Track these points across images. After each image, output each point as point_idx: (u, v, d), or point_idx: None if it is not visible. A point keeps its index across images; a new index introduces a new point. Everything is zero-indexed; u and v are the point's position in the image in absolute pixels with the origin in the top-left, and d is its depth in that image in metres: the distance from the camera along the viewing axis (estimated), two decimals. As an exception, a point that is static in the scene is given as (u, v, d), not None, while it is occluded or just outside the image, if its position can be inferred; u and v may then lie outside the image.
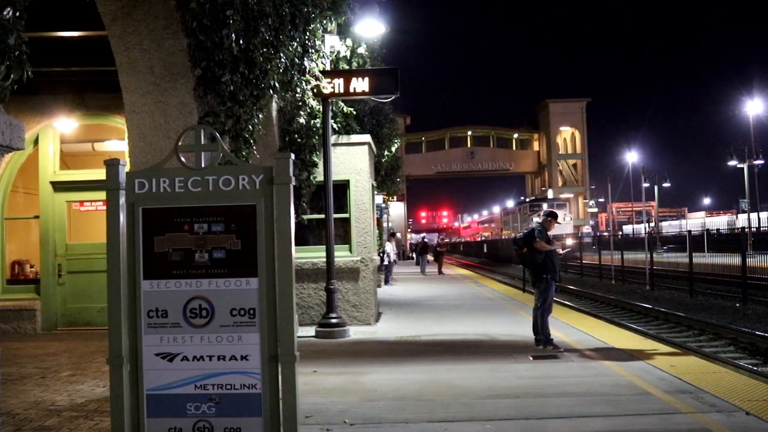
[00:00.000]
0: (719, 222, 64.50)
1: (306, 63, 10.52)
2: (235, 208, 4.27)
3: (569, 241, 41.87)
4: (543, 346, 10.21)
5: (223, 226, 4.27)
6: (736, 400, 6.79)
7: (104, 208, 4.42)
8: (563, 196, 75.19)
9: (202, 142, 4.47)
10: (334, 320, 11.93)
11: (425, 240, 44.60)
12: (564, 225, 52.65)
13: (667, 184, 72.04)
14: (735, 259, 22.13)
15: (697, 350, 12.49)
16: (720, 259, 32.68)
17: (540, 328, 10.35)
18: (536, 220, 45.28)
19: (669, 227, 67.18)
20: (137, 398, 4.26)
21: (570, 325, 12.66)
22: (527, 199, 72.20)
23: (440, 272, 35.78)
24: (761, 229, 44.17)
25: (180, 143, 4.41)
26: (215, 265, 4.25)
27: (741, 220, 49.53)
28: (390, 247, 28.73)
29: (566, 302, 21.97)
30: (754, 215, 47.88)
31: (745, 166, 49.87)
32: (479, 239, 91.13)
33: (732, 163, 51.77)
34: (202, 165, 4.38)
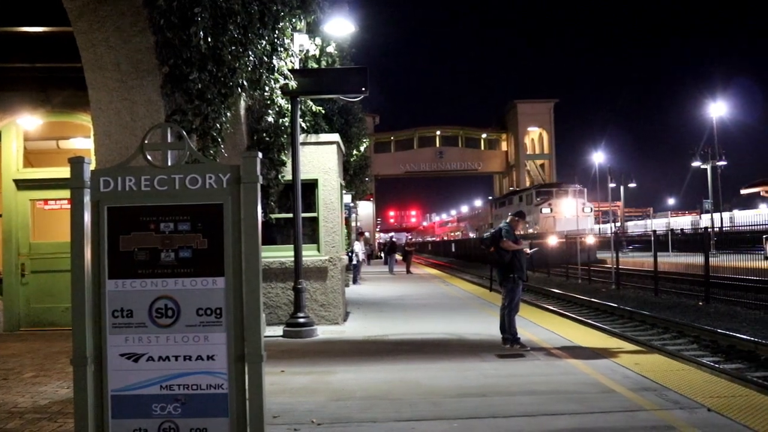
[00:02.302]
0: (683, 222, 65.39)
1: (275, 61, 10.48)
2: (201, 207, 4.24)
3: (589, 240, 38.32)
4: (510, 344, 10.29)
5: (190, 225, 4.23)
6: (698, 397, 6.91)
7: (69, 206, 4.36)
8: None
9: (169, 141, 4.43)
10: (302, 320, 11.91)
11: (393, 239, 44.65)
12: (584, 218, 47.96)
13: (633, 185, 72.92)
14: (698, 259, 22.48)
15: (660, 348, 12.66)
16: (684, 258, 33.19)
17: (507, 326, 10.42)
18: (545, 210, 44.80)
19: (634, 227, 67.85)
20: (101, 399, 4.20)
21: (537, 324, 12.77)
22: (536, 186, 58.89)
23: (408, 271, 35.87)
24: (723, 229, 44.88)
25: (146, 141, 4.37)
26: (181, 265, 4.22)
27: (704, 220, 50.26)
28: (358, 247, 28.73)
29: (533, 301, 22.16)
30: (717, 215, 48.64)
31: (708, 167, 50.65)
32: (457, 237, 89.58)
33: (696, 164, 52.58)
34: (169, 163, 4.34)
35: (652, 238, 28.48)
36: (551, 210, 47.58)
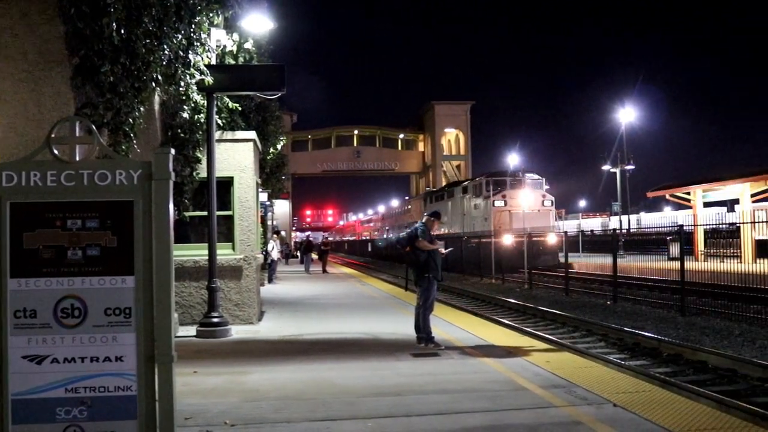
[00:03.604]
0: (594, 224, 67.43)
1: (191, 56, 10.27)
2: (111, 204, 4.11)
3: (551, 238, 34.49)
4: (425, 343, 10.38)
5: (98, 222, 4.10)
6: (605, 393, 7.14)
7: (-32, 201, 4.16)
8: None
9: (78, 135, 4.29)
10: (215, 319, 11.73)
11: (310, 238, 44.46)
12: (543, 213, 38.87)
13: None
14: (607, 260, 23.20)
15: (570, 346, 12.99)
16: (593, 259, 34.23)
17: (422, 326, 10.51)
18: (498, 203, 37.75)
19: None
20: (1, 404, 4.03)
21: (451, 323, 12.93)
22: (487, 174, 44.37)
23: (325, 271, 35.79)
24: (631, 230, 46.50)
25: (53, 135, 4.21)
26: (89, 263, 4.09)
27: (613, 222, 51.96)
28: (274, 246, 28.49)
29: (448, 300, 22.43)
30: (625, 218, 50.34)
31: (617, 171, 52.39)
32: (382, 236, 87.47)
33: (605, 167, 54.29)
34: (77, 158, 4.20)
35: (564, 239, 29.27)
36: (505, 203, 38.72)
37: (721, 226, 29.93)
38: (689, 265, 20.87)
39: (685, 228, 21.71)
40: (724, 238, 29.16)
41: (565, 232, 29.83)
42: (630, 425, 6.01)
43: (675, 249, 28.14)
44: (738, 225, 27.37)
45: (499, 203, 38.52)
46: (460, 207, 44.14)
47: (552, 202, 39.90)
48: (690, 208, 34.84)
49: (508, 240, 33.35)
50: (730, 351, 12.26)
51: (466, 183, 45.31)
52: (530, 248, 31.70)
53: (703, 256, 29.98)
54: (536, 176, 41.38)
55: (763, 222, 26.62)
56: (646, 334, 13.94)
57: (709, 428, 5.88)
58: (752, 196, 31.03)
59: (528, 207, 38.01)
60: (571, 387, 7.50)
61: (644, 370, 10.75)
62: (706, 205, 35.83)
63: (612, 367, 10.17)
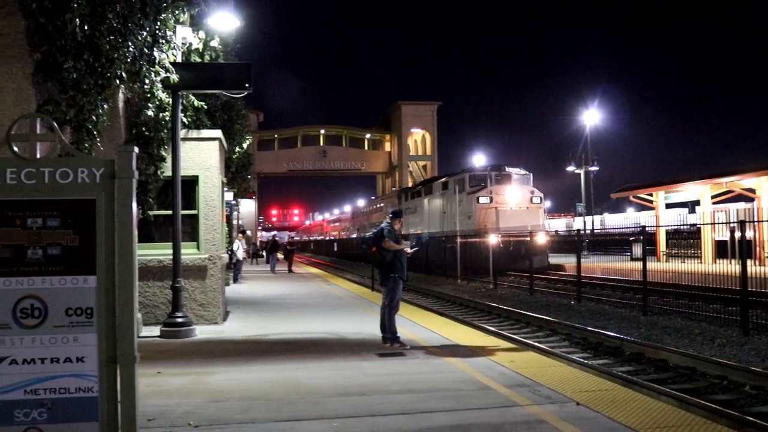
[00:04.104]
0: (558, 224, 68.04)
1: (156, 53, 10.16)
2: (72, 203, 4.05)
3: (541, 239, 31.62)
4: (390, 343, 10.40)
5: (60, 221, 4.04)
6: (568, 392, 7.21)
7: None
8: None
9: (39, 132, 4.22)
10: (180, 319, 11.63)
11: (276, 238, 44.28)
12: (533, 211, 35.44)
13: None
14: (570, 260, 23.42)
15: (535, 346, 13.10)
16: (558, 259, 34.53)
17: (387, 325, 10.53)
18: (483, 200, 33.75)
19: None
20: (-42, 405, 3.95)
21: (417, 323, 12.97)
22: (470, 168, 41.70)
23: (290, 271, 35.71)
24: (595, 231, 47.05)
25: (13, 132, 4.14)
26: (50, 262, 4.02)
27: (577, 223, 52.54)
28: (239, 245, 28.33)
29: (414, 300, 22.49)
30: (589, 218, 50.96)
31: (581, 172, 53.02)
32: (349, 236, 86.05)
33: (570, 168, 54.91)
34: (38, 156, 4.14)
35: (528, 239, 29.47)
36: (491, 199, 35.14)
37: (682, 227, 30.40)
38: (651, 265, 21.16)
39: (647, 229, 21.99)
40: (685, 239, 29.64)
41: (530, 232, 29.99)
42: (593, 423, 6.08)
43: (638, 249, 28.57)
44: (698, 226, 27.83)
45: (484, 200, 35.31)
46: (439, 204, 40.47)
47: (541, 198, 36.53)
48: (653, 209, 35.34)
49: (494, 240, 30.81)
50: (690, 350, 12.46)
51: (446, 178, 40.96)
52: (518, 249, 30.57)
53: (664, 256, 30.45)
54: (523, 171, 38.17)
55: (722, 223, 27.07)
56: (609, 333, 14.11)
57: (669, 425, 5.98)
58: (712, 197, 31.60)
59: (516, 204, 35.28)
60: (535, 386, 7.57)
61: (607, 369, 10.88)
62: (668, 206, 36.40)
63: (575, 366, 10.27)
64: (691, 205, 38.87)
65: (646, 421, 6.08)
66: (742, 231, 15.69)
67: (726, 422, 7.26)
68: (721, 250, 27.11)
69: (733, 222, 18.57)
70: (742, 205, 32.05)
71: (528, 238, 29.47)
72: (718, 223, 27.66)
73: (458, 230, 34.81)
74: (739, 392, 9.58)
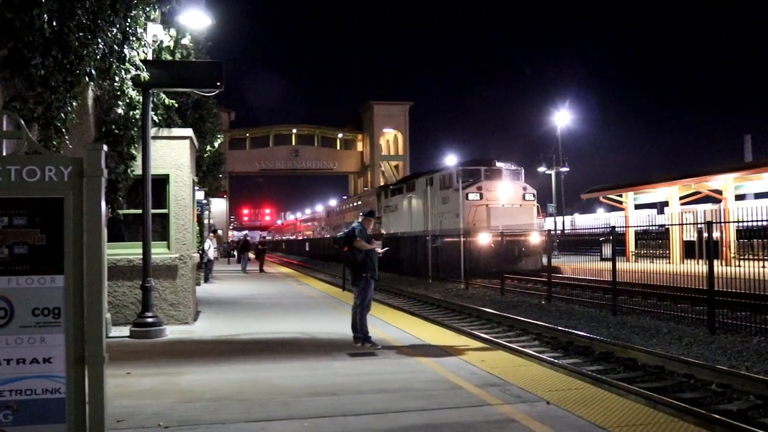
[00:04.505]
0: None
1: (126, 51, 10.05)
2: (40, 201, 3.99)
3: (535, 238, 29.61)
4: (361, 343, 10.40)
5: (26, 219, 3.98)
6: (538, 391, 7.27)
7: None
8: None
9: (5, 129, 4.16)
10: (150, 319, 11.53)
11: (247, 237, 44.07)
12: (526, 208, 32.66)
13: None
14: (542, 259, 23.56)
15: (505, 345, 13.17)
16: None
17: (359, 325, 10.53)
18: (473, 196, 30.91)
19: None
20: None
21: (388, 323, 12.98)
22: (458, 163, 38.00)
23: (261, 270, 35.57)
24: (565, 231, 47.43)
25: (-21, 129, 4.08)
26: (16, 262, 3.96)
27: (548, 223, 52.94)
28: (210, 245, 28.17)
29: (386, 300, 22.51)
30: (560, 218, 51.38)
31: (552, 172, 53.48)
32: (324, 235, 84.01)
33: (541, 169, 55.34)
34: (4, 153, 4.08)
35: (501, 239, 29.47)
36: (481, 196, 32.31)
37: (651, 227, 30.77)
38: (621, 265, 21.38)
39: (617, 229, 22.21)
40: (654, 239, 30.01)
41: (502, 233, 29.92)
42: (562, 422, 6.13)
43: (607, 250, 28.84)
44: (667, 227, 28.17)
45: (473, 196, 32.45)
46: (423, 202, 37.29)
47: (534, 195, 33.72)
48: (622, 209, 35.72)
49: (484, 239, 29.13)
50: (658, 348, 12.61)
51: (431, 174, 37.63)
52: (510, 249, 28.77)
53: (633, 256, 30.79)
54: (514, 166, 35.24)
55: (690, 224, 27.43)
56: (579, 333, 14.23)
57: (637, 424, 6.04)
58: (681, 198, 32.04)
59: (507, 201, 32.51)
60: (505, 385, 7.61)
61: (577, 369, 10.98)
62: (638, 207, 36.84)
63: (546, 366, 10.35)
64: (660, 206, 39.41)
65: (615, 420, 6.14)
66: (709, 232, 15.90)
67: (693, 420, 7.37)
68: (689, 250, 27.49)
69: (701, 223, 18.81)
70: (709, 206, 32.53)
71: (521, 238, 27.81)
72: (686, 224, 28.03)
73: (440, 229, 33.51)
74: (706, 390, 9.72)
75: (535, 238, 29.84)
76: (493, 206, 31.92)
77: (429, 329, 12.73)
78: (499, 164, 34.08)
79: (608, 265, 21.02)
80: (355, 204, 58.17)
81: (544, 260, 29.21)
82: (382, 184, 69.12)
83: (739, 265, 17.72)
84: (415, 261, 35.10)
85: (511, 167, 34.47)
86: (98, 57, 8.67)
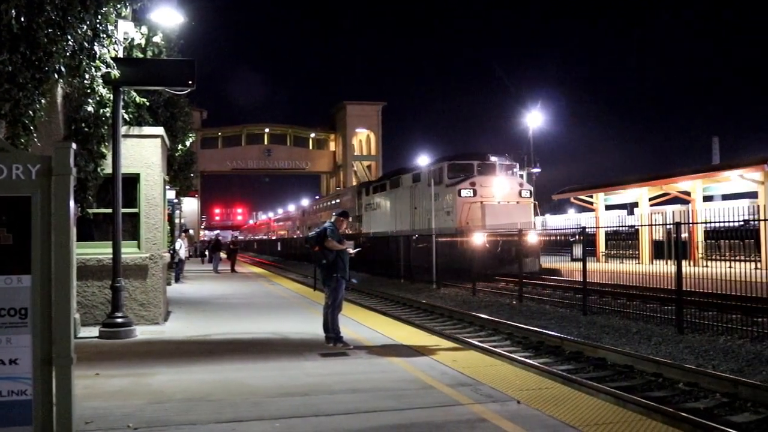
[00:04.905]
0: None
1: (96, 48, 9.92)
2: (6, 200, 3.94)
3: (533, 238, 27.58)
4: (333, 343, 10.38)
5: (-8, 218, 3.93)
6: (509, 391, 7.31)
7: None
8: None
9: (-29, 127, 4.10)
10: (119, 320, 11.41)
11: (219, 237, 43.80)
12: (523, 206, 30.14)
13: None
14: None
15: (477, 345, 13.23)
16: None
17: (330, 325, 10.51)
18: (466, 192, 27.94)
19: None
20: None
21: (360, 323, 12.98)
22: (448, 157, 33.25)
23: (233, 270, 35.40)
24: (537, 231, 47.65)
25: (-56, 126, 4.01)
26: (-18, 261, 3.91)
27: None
28: (181, 244, 27.97)
29: (358, 300, 22.50)
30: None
31: (524, 173, 53.80)
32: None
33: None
34: (-30, 151, 4.02)
35: (519, 239, 28.87)
36: (475, 192, 29.53)
37: (621, 228, 31.07)
38: (591, 265, 21.56)
39: (587, 230, 22.40)
40: (624, 239, 30.33)
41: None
42: (533, 421, 6.17)
43: (578, 250, 29.08)
44: (637, 227, 28.46)
45: (466, 193, 29.73)
46: (409, 199, 34.46)
47: (531, 192, 31.32)
48: (593, 210, 36.06)
49: (479, 239, 27.04)
50: (627, 348, 12.74)
51: (418, 169, 34.98)
52: (506, 250, 27.27)
53: (604, 257, 31.10)
54: (509, 160, 32.38)
55: (659, 225, 27.76)
56: (550, 332, 14.34)
57: (607, 422, 6.11)
58: (650, 199, 32.43)
59: (503, 197, 29.84)
60: (477, 385, 7.65)
61: (547, 368, 11.05)
62: (608, 207, 37.20)
63: (517, 365, 10.41)
64: (630, 207, 39.81)
65: (585, 419, 6.20)
66: (678, 232, 16.10)
67: (661, 418, 7.46)
68: (659, 250, 27.83)
69: (669, 224, 19.04)
70: (678, 207, 32.97)
71: (518, 238, 25.82)
72: (656, 225, 28.36)
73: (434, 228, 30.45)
74: (674, 389, 9.85)
75: (533, 239, 28.03)
76: (489, 203, 29.34)
77: (400, 329, 12.74)
78: (493, 158, 31.38)
79: (579, 265, 21.19)
80: (332, 202, 54.78)
81: (543, 262, 29.17)
82: (354, 183, 68.83)
83: (707, 266, 17.95)
84: (399, 262, 33.94)
85: (506, 161, 31.90)
86: (68, 54, 8.55)
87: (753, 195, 28.81)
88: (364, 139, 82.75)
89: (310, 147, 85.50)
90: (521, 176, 30.51)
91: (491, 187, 29.92)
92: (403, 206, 35.43)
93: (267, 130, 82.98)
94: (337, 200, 52.93)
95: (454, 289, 26.53)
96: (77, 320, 11.88)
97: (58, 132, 11.23)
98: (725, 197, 33.80)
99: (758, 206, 19.61)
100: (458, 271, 27.13)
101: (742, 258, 22.12)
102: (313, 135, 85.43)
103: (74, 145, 4.09)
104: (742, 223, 16.96)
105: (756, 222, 20.28)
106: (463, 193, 29.81)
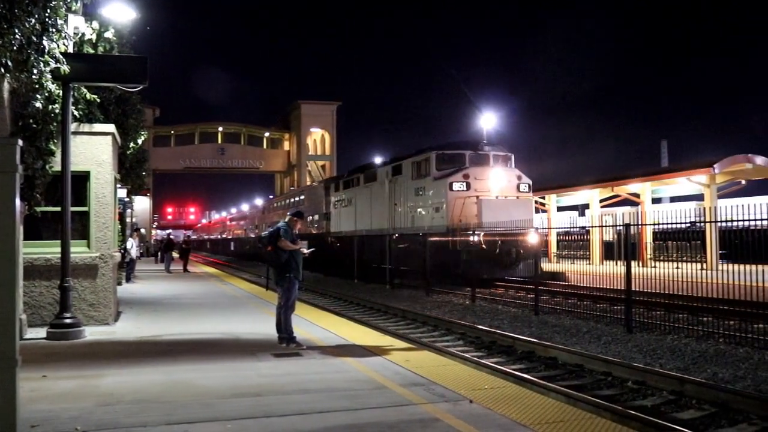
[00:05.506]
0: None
1: (45, 42, 9.71)
2: (-51, 197, 3.85)
3: (533, 238, 22.30)
4: (286, 343, 10.35)
5: (-65, 216, 3.83)
6: (462, 390, 7.36)
7: None
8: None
9: None
10: (68, 320, 11.21)
11: (171, 236, 43.30)
12: (523, 201, 26.51)
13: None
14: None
15: (430, 345, 13.28)
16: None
17: (284, 325, 10.47)
18: (458, 186, 24.27)
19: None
20: None
21: (314, 323, 12.95)
22: (435, 146, 28.15)
23: (185, 270, 35.04)
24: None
25: None
26: (-77, 260, 3.80)
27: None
28: (133, 243, 27.58)
29: (311, 300, 22.42)
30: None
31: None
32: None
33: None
34: None
35: (518, 239, 28.40)
36: (468, 186, 26.18)
37: (572, 229, 31.51)
38: (543, 266, 21.79)
39: (539, 230, 22.60)
40: (575, 240, 30.77)
41: (425, 234, 29.42)
42: (485, 420, 6.22)
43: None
44: (588, 228, 28.88)
45: (459, 186, 26.17)
46: (386, 194, 30.93)
47: (529, 186, 27.41)
48: (545, 211, 36.52)
49: (477, 238, 24.50)
50: (578, 347, 12.92)
51: (400, 160, 30.51)
52: (504, 250, 24.76)
53: (555, 257, 31.51)
54: (504, 151, 28.40)
55: (609, 226, 28.20)
56: (502, 332, 14.46)
57: (557, 420, 6.19)
58: (601, 201, 32.98)
59: (501, 192, 26.40)
60: (429, 385, 7.68)
61: (500, 367, 11.15)
62: (560, 209, 37.72)
63: (470, 365, 10.48)
64: (582, 209, 40.42)
65: (537, 417, 6.28)
66: (627, 234, 16.39)
67: (610, 416, 7.59)
68: (609, 251, 28.29)
69: (620, 225, 19.38)
70: (628, 209, 33.59)
71: (519, 238, 23.91)
72: (606, 226, 28.84)
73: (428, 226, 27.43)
74: (623, 387, 10.02)
75: (532, 238, 23.69)
76: (485, 198, 26.01)
77: (354, 329, 12.75)
78: (488, 148, 27.96)
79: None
80: (296, 199, 49.99)
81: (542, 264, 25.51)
82: (308, 183, 68.41)
83: (655, 266, 18.32)
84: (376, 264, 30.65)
85: (501, 152, 28.15)
86: (15, 48, 8.37)
87: (700, 197, 29.53)
88: (318, 138, 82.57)
89: (265, 146, 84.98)
90: (524, 178, 27.38)
91: (487, 180, 26.52)
92: (380, 202, 31.92)
93: (221, 128, 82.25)
94: (301, 197, 48.08)
95: (407, 289, 26.46)
96: (24, 321, 11.63)
97: (5, 128, 10.96)
98: (673, 199, 34.56)
99: (704, 208, 20.06)
100: (447, 275, 25.05)
101: (689, 259, 22.64)
102: (267, 134, 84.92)
103: (21, 142, 4.00)
104: (689, 224, 17.33)
105: (702, 224, 20.76)
106: (455, 186, 26.30)
